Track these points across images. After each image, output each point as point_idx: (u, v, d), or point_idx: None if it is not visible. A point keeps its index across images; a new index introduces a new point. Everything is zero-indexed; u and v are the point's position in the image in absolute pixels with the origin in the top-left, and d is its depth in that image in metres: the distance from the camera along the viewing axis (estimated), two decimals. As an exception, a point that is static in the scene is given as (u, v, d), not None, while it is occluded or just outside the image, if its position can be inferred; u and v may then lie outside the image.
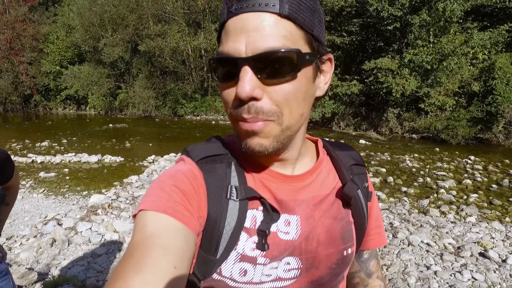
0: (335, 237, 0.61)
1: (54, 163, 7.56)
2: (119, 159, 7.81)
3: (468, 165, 7.48)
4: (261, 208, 0.56)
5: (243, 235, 0.55)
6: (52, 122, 16.14)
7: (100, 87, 19.09)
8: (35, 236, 3.93)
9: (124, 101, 19.35)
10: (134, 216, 0.50)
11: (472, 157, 8.02)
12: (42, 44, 20.21)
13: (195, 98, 18.22)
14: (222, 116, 17.70)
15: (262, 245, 0.54)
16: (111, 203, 4.72)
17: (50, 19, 21.22)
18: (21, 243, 3.85)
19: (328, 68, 0.57)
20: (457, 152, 8.96)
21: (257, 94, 0.47)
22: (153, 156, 7.88)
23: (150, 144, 9.93)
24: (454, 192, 5.66)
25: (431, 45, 12.13)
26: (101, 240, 3.83)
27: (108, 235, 3.89)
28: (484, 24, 12.47)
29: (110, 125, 14.45)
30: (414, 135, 12.25)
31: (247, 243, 0.55)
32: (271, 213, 0.55)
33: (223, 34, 0.51)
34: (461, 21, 12.07)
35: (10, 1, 20.23)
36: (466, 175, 6.73)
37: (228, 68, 0.49)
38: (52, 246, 3.72)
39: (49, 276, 3.15)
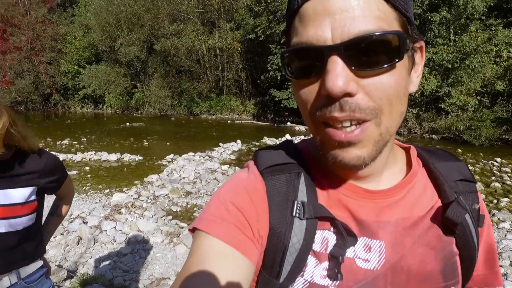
0: (432, 271, 0.50)
1: (75, 161, 7.67)
2: (138, 157, 7.87)
3: (495, 167, 7.24)
4: (333, 229, 0.48)
5: (311, 260, 0.48)
6: (71, 120, 16.44)
7: (117, 86, 19.37)
8: (61, 234, 3.97)
9: (140, 100, 19.58)
10: (191, 230, 0.47)
11: (499, 159, 7.76)
12: (61, 44, 20.65)
13: (210, 97, 18.29)
14: (237, 116, 17.71)
15: (334, 274, 0.46)
16: (134, 202, 4.74)
17: (68, 19, 21.66)
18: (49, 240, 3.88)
19: (419, 59, 0.47)
20: (481, 154, 8.69)
21: (352, 89, 0.38)
22: (171, 155, 7.91)
23: (168, 143, 9.98)
24: (483, 196, 5.47)
25: (451, 43, 11.82)
26: (125, 239, 3.84)
27: (132, 235, 3.90)
28: (509, 21, 12.07)
29: (127, 123, 14.62)
30: (434, 136, 11.99)
31: (316, 270, 0.47)
32: (346, 237, 0.47)
33: (296, 22, 0.42)
34: (484, 17, 11.71)
35: (31, 3, 20.70)
36: (493, 178, 6.51)
37: (308, 61, 0.41)
38: (78, 244, 3.75)
39: (77, 274, 3.17)
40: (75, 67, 20.38)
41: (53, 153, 1.63)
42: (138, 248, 3.66)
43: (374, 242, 0.49)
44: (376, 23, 0.38)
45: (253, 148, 9.23)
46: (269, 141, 10.14)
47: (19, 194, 1.09)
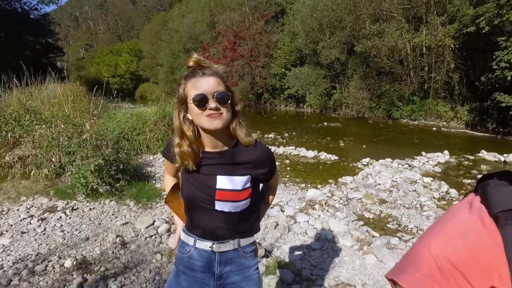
0: None
1: (277, 153, 8.59)
2: (333, 157, 8.00)
3: None
4: None
5: None
6: (276, 117, 18.71)
7: (317, 87, 20.53)
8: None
9: (338, 101, 20.00)
10: (390, 280, 0.41)
11: None
12: (272, 50, 23.77)
13: (413, 100, 16.52)
14: (444, 123, 15.25)
15: None
16: (327, 200, 4.79)
17: (279, 28, 24.61)
18: (255, 219, 4.45)
19: None
20: None
21: None
22: (367, 159, 7.61)
23: (364, 146, 9.70)
24: None
25: None
26: (316, 235, 3.91)
27: (323, 232, 3.93)
28: None
29: (325, 123, 15.24)
30: None
31: None
32: None
33: None
34: None
35: (253, 18, 24.86)
36: None
37: None
38: (275, 229, 4.11)
39: (272, 255, 3.45)
40: (282, 70, 23.03)
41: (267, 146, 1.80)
42: (327, 246, 3.65)
43: None
44: None
45: (465, 163, 7.63)
46: (488, 156, 8.11)
47: (239, 181, 1.22)
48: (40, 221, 3.83)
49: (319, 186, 5.87)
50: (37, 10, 33.64)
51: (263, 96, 24.91)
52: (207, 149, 1.25)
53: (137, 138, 7.63)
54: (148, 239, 3.57)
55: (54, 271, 2.85)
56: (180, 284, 1.34)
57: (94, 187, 4.42)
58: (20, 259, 3.04)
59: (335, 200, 4.98)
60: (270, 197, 1.52)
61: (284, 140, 10.58)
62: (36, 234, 3.54)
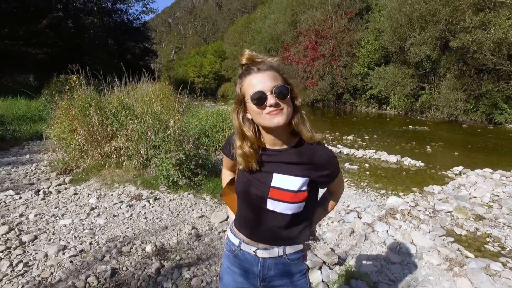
0: None
1: (356, 156, 8.16)
2: (418, 163, 7.29)
3: None
4: None
5: None
6: (356, 118, 17.86)
7: (403, 88, 18.96)
8: (338, 221, 4.26)
9: (427, 102, 18.20)
10: None
11: None
12: (355, 49, 22.66)
13: (523, 102, 14.18)
14: None
15: None
16: (410, 210, 4.36)
17: (363, 26, 23.34)
18: (327, 223, 4.28)
19: None
20: None
21: None
22: (460, 168, 6.74)
23: (456, 153, 8.63)
24: None
25: None
26: (396, 247, 3.58)
27: (404, 245, 3.58)
28: None
29: (410, 126, 14.03)
30: None
31: None
32: None
33: None
34: None
35: (336, 17, 24.03)
36: None
37: None
38: (350, 235, 3.88)
39: (346, 263, 3.26)
40: (365, 69, 21.81)
41: (329, 147, 1.67)
42: (409, 261, 3.31)
43: None
44: None
45: None
46: None
47: (296, 182, 1.15)
48: (128, 207, 4.23)
49: (401, 193, 5.39)
50: (138, 20, 38.01)
51: (343, 96, 24.02)
52: (268, 146, 1.21)
53: (217, 135, 7.99)
54: (221, 233, 3.67)
55: (137, 253, 3.12)
56: (227, 280, 1.36)
57: (175, 180, 4.72)
58: (111, 238, 3.40)
59: (419, 211, 4.51)
60: (331, 203, 1.42)
61: (364, 143, 10.01)
62: (124, 218, 3.93)
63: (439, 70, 18.02)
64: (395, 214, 4.25)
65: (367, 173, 6.67)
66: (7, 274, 2.74)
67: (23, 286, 2.61)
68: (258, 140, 1.20)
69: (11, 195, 4.59)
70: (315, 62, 23.76)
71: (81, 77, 6.07)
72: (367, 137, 10.98)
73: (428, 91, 18.49)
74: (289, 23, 28.29)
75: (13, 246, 3.19)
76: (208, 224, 3.90)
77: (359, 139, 10.64)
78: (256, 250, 1.25)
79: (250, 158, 1.18)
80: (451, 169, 6.80)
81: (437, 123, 15.72)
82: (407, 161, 7.46)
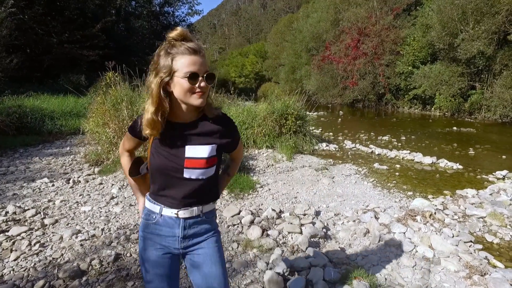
0: None
1: (388, 157, 7.77)
2: (456, 166, 6.75)
3: None
4: None
5: None
6: (396, 119, 16.98)
7: (450, 87, 17.60)
8: (354, 221, 4.09)
9: (477, 103, 16.78)
10: None
11: None
12: (399, 47, 21.45)
13: None
14: None
15: None
16: (434, 213, 4.06)
17: (410, 22, 22.01)
18: (343, 222, 4.12)
19: None
20: None
21: None
22: (504, 172, 6.12)
23: (503, 156, 7.86)
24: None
25: None
26: (412, 250, 3.36)
27: (421, 248, 3.34)
28: None
29: (454, 128, 13.05)
30: None
31: None
32: None
33: None
34: None
35: (381, 13, 22.99)
36: None
37: None
38: (365, 236, 3.70)
39: (355, 263, 3.13)
40: (410, 68, 20.55)
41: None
42: (422, 265, 3.09)
43: None
44: None
45: None
46: None
47: (206, 149, 1.32)
48: (146, 197, 4.41)
49: (429, 196, 5.03)
50: (185, 22, 39.40)
51: (384, 96, 22.96)
52: (177, 120, 1.33)
53: (246, 132, 8.04)
54: (230, 227, 3.69)
55: (144, 241, 3.24)
56: (148, 249, 1.43)
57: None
58: (123, 226, 3.56)
59: (446, 215, 4.17)
60: (233, 168, 1.67)
61: (399, 144, 9.49)
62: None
63: (494, 67, 16.50)
64: (415, 215, 3.97)
65: (397, 174, 6.30)
66: (24, 252, 2.98)
67: (35, 264, 2.82)
68: (169, 112, 1.30)
69: (45, 183, 4.99)
70: (356, 61, 22.97)
71: (116, 74, 6.43)
72: (404, 138, 10.39)
73: (480, 91, 17.03)
74: (331, 21, 27.58)
75: (35, 227, 3.47)
76: (220, 217, 3.94)
77: (395, 139, 10.11)
78: (178, 212, 1.38)
79: (157, 126, 1.27)
80: (493, 173, 6.21)
81: (486, 125, 14.46)
82: (443, 163, 6.94)
